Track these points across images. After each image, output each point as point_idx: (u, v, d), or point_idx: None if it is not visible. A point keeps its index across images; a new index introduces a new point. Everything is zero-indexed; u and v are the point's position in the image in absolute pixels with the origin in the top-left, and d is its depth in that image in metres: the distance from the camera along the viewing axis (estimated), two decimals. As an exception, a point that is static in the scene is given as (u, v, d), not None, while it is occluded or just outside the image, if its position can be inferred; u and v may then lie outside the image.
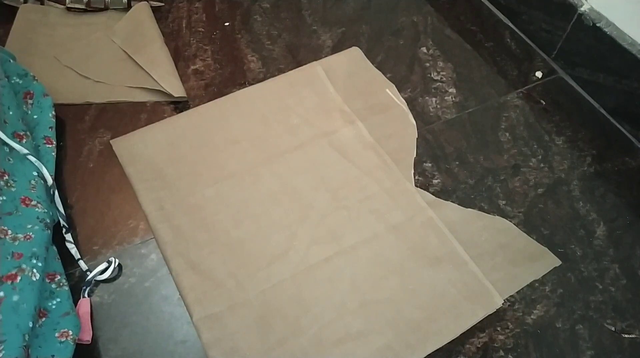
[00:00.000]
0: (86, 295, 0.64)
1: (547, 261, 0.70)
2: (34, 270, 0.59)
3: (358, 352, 0.62)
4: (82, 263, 0.66)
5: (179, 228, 0.70)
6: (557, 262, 0.70)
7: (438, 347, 0.62)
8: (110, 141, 0.77)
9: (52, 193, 0.69)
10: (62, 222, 0.68)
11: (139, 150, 0.76)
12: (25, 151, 0.68)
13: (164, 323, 0.64)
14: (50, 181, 0.69)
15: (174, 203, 0.72)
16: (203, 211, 0.71)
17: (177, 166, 0.75)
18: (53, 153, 0.73)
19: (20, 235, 0.61)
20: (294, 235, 0.70)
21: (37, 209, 0.65)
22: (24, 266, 0.59)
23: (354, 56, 0.90)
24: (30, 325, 0.55)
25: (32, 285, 0.58)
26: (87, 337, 0.61)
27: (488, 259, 0.69)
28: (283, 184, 0.74)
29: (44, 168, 0.69)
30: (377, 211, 0.72)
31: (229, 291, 0.65)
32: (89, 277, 0.65)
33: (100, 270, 0.66)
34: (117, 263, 0.67)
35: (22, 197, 0.65)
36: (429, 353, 0.62)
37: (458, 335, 0.63)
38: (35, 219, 0.63)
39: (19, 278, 0.58)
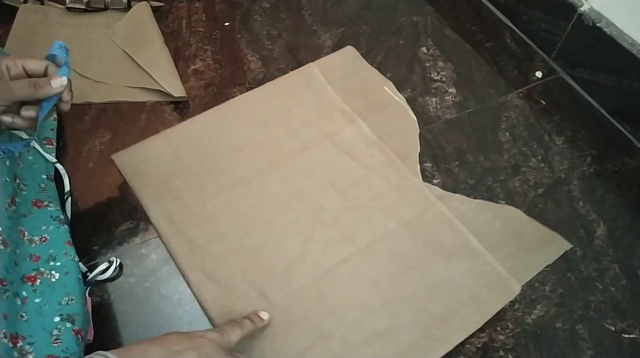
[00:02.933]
0: (87, 294, 0.64)
1: (559, 246, 0.71)
2: (53, 271, 0.60)
3: (387, 350, 0.62)
4: (80, 265, 0.66)
5: (192, 241, 0.68)
6: (568, 246, 0.71)
7: (464, 338, 0.63)
8: (112, 156, 0.75)
9: (65, 198, 0.70)
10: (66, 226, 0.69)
11: (141, 163, 0.75)
12: (54, 160, 0.71)
13: (164, 323, 0.64)
14: (68, 187, 0.71)
15: (184, 215, 0.70)
16: (214, 221, 0.70)
17: (182, 177, 0.74)
18: (53, 154, 0.73)
19: (35, 238, 0.62)
20: (309, 238, 0.69)
21: (49, 208, 0.65)
22: (42, 269, 0.60)
23: (348, 55, 0.90)
24: (57, 318, 0.56)
25: (52, 286, 0.58)
26: (88, 336, 0.61)
27: (501, 248, 0.70)
28: (291, 188, 0.74)
29: (67, 177, 0.71)
30: (388, 208, 0.72)
31: (251, 301, 0.64)
32: (90, 277, 0.65)
33: (101, 270, 0.66)
34: (118, 263, 0.67)
35: (34, 200, 0.65)
36: (455, 345, 0.62)
37: (482, 324, 0.64)
38: (49, 219, 0.64)
39: (38, 280, 0.58)
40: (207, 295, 0.64)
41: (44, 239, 0.62)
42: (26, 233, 0.61)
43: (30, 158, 0.69)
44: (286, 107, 0.82)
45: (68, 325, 0.56)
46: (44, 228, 0.63)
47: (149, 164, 0.75)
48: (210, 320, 0.63)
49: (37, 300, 0.57)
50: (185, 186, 0.73)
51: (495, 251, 0.69)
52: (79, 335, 0.56)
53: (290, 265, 0.67)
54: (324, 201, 0.73)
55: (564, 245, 0.71)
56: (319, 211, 0.72)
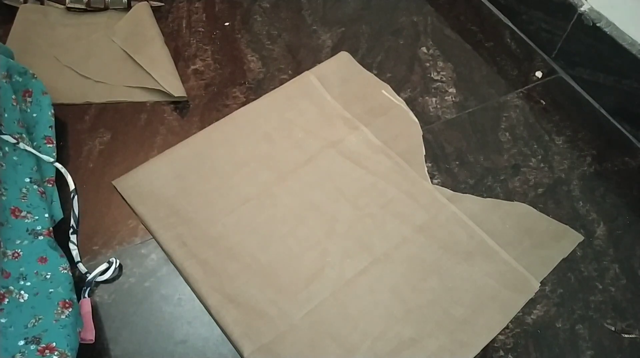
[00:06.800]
0: (86, 295, 0.64)
1: (571, 238, 0.72)
2: (22, 291, 0.59)
3: None
4: (81, 266, 0.66)
5: (207, 263, 0.67)
6: (580, 238, 0.72)
7: (490, 340, 0.63)
8: (113, 182, 0.74)
9: (72, 197, 0.70)
10: (72, 223, 0.69)
11: (145, 188, 0.73)
12: (51, 159, 0.70)
13: (164, 323, 0.64)
14: (72, 186, 0.71)
15: (196, 237, 0.69)
16: (227, 241, 0.69)
17: (189, 198, 0.72)
18: (54, 153, 0.73)
19: (9, 252, 0.61)
20: (325, 251, 0.69)
21: (26, 220, 0.64)
22: (11, 287, 0.59)
23: (343, 61, 0.89)
24: (22, 342, 0.55)
25: (19, 308, 0.58)
26: (90, 336, 0.61)
27: (516, 245, 0.70)
28: (301, 200, 0.73)
29: (68, 175, 0.71)
30: (401, 214, 0.72)
31: (273, 320, 0.63)
32: (89, 278, 0.65)
33: (101, 271, 0.66)
34: (117, 264, 0.67)
35: (12, 207, 0.64)
36: (482, 347, 0.63)
37: (505, 324, 0.65)
38: (24, 233, 0.63)
39: (6, 300, 0.58)
40: (228, 318, 0.63)
41: (16, 255, 0.61)
42: (1, 244, 0.60)
43: (15, 158, 0.67)
44: (287, 118, 0.81)
45: (32, 347, 0.55)
46: (18, 242, 0.62)
47: (153, 187, 0.73)
48: (233, 343, 0.62)
49: (2, 320, 0.56)
50: (193, 208, 0.71)
51: (510, 250, 0.70)
52: (47, 351, 0.55)
53: (309, 280, 0.66)
54: (336, 212, 0.72)
55: (576, 237, 0.72)
56: (332, 222, 0.71)
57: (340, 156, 0.77)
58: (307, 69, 0.87)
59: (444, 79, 0.89)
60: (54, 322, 0.58)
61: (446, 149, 0.81)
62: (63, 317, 0.58)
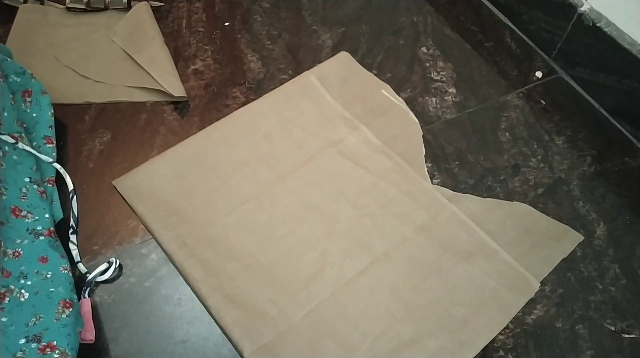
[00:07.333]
0: (86, 295, 0.64)
1: (571, 238, 0.72)
2: (22, 290, 0.59)
3: None
4: (81, 266, 0.66)
5: (207, 263, 0.67)
6: (580, 238, 0.72)
7: (490, 340, 0.63)
8: (113, 182, 0.74)
9: (70, 197, 0.70)
10: (72, 223, 0.69)
11: (145, 187, 0.73)
12: (50, 159, 0.70)
13: (164, 323, 0.64)
14: (71, 186, 0.71)
15: (196, 237, 0.69)
16: (227, 241, 0.69)
17: (189, 198, 0.72)
18: (54, 153, 0.73)
19: (9, 251, 0.61)
20: (325, 251, 0.69)
21: (26, 220, 0.64)
22: (12, 286, 0.59)
23: (343, 61, 0.89)
24: (22, 341, 0.56)
25: (20, 306, 0.58)
26: (90, 336, 0.61)
27: (516, 245, 0.70)
28: (301, 200, 0.73)
29: (67, 176, 0.71)
30: (401, 214, 0.72)
31: (273, 320, 0.63)
32: (89, 278, 0.65)
33: (101, 271, 0.66)
34: (117, 264, 0.67)
35: (12, 207, 0.64)
36: (482, 347, 0.63)
37: (505, 325, 0.65)
38: (24, 232, 0.63)
39: (7, 299, 0.58)
40: (228, 318, 0.63)
41: (17, 254, 0.61)
42: (1, 243, 0.60)
43: (14, 157, 0.67)
44: (287, 118, 0.81)
45: (33, 345, 0.55)
46: (18, 241, 0.62)
47: (153, 187, 0.73)
48: (233, 343, 0.62)
49: (3, 319, 0.56)
50: (193, 208, 0.71)
51: (511, 250, 0.70)
52: (48, 349, 0.55)
53: (309, 280, 0.67)
54: (336, 212, 0.72)
55: (576, 237, 0.72)
56: (332, 222, 0.71)
57: (340, 156, 0.77)
58: (307, 69, 0.87)
59: (444, 79, 0.89)
60: (55, 321, 0.58)
61: (446, 149, 0.81)
62: (64, 316, 0.58)
